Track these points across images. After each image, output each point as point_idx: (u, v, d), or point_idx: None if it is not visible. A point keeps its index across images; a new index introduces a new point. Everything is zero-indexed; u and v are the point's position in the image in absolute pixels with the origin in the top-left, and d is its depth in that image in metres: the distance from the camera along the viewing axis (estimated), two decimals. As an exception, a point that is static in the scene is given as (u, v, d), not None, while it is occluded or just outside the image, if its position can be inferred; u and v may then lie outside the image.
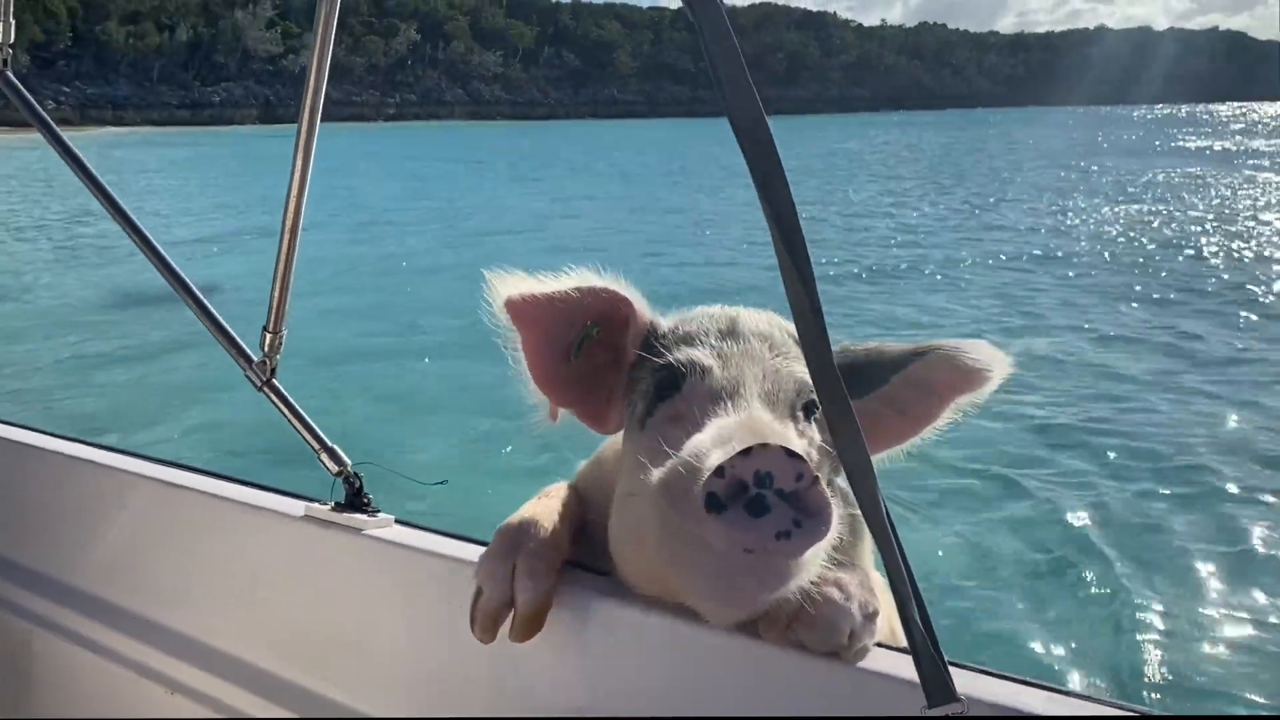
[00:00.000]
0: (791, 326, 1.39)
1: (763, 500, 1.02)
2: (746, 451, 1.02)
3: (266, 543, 1.83)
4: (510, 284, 1.38)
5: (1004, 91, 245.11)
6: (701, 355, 1.31)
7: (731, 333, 1.36)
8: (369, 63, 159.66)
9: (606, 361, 1.46)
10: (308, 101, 1.68)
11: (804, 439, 1.27)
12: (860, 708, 1.17)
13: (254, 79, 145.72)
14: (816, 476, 1.03)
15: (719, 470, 1.02)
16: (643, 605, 1.34)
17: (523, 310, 1.38)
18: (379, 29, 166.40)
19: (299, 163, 1.71)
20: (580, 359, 1.45)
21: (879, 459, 1.42)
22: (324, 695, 1.73)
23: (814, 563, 1.09)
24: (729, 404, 1.21)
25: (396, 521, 1.72)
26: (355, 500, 1.75)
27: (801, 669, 1.20)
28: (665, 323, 1.45)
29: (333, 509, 1.74)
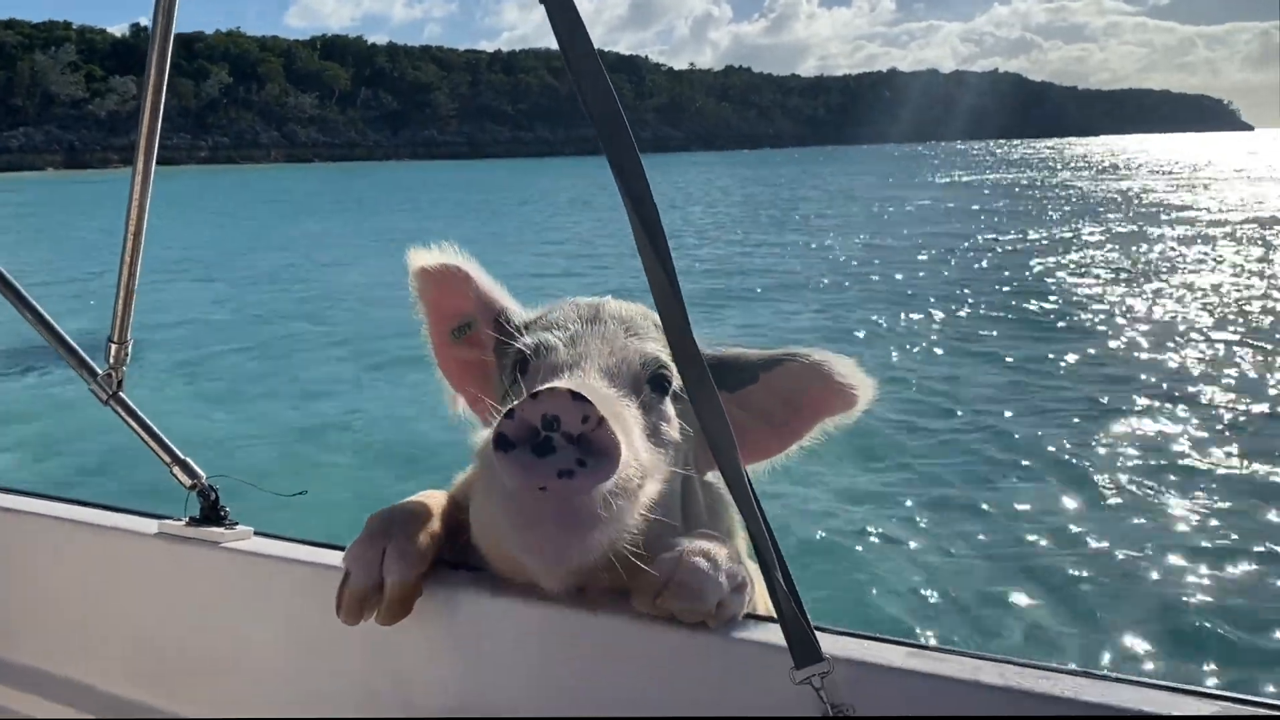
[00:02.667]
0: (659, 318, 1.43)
1: (549, 442, 1.05)
2: (535, 396, 1.06)
3: (118, 564, 1.75)
4: (420, 257, 1.48)
5: (807, 131, 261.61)
6: (551, 337, 1.36)
7: (592, 318, 1.42)
8: (179, 105, 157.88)
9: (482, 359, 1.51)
10: (147, 104, 1.62)
11: (652, 414, 1.32)
12: (731, 675, 1.19)
13: (56, 123, 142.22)
14: (603, 418, 1.06)
15: (509, 413, 1.06)
16: (514, 595, 1.33)
17: (418, 284, 1.51)
18: (188, 71, 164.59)
19: (140, 165, 1.64)
20: (464, 345, 1.54)
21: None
22: (189, 718, 1.67)
23: (625, 512, 1.12)
24: (567, 376, 1.26)
25: (256, 533, 1.66)
26: (212, 513, 1.68)
27: (671, 644, 1.22)
28: (530, 313, 1.51)
29: (188, 524, 1.68)
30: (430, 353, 1.56)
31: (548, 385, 1.08)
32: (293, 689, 1.57)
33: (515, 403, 1.07)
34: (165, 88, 1.64)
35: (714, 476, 1.50)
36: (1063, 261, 18.38)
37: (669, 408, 1.35)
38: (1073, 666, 1.06)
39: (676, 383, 1.36)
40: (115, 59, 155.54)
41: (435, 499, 1.51)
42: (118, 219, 1.66)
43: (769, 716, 1.16)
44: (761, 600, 1.28)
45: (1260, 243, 20.48)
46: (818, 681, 1.09)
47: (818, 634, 1.11)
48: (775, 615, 1.12)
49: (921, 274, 17.41)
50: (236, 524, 1.68)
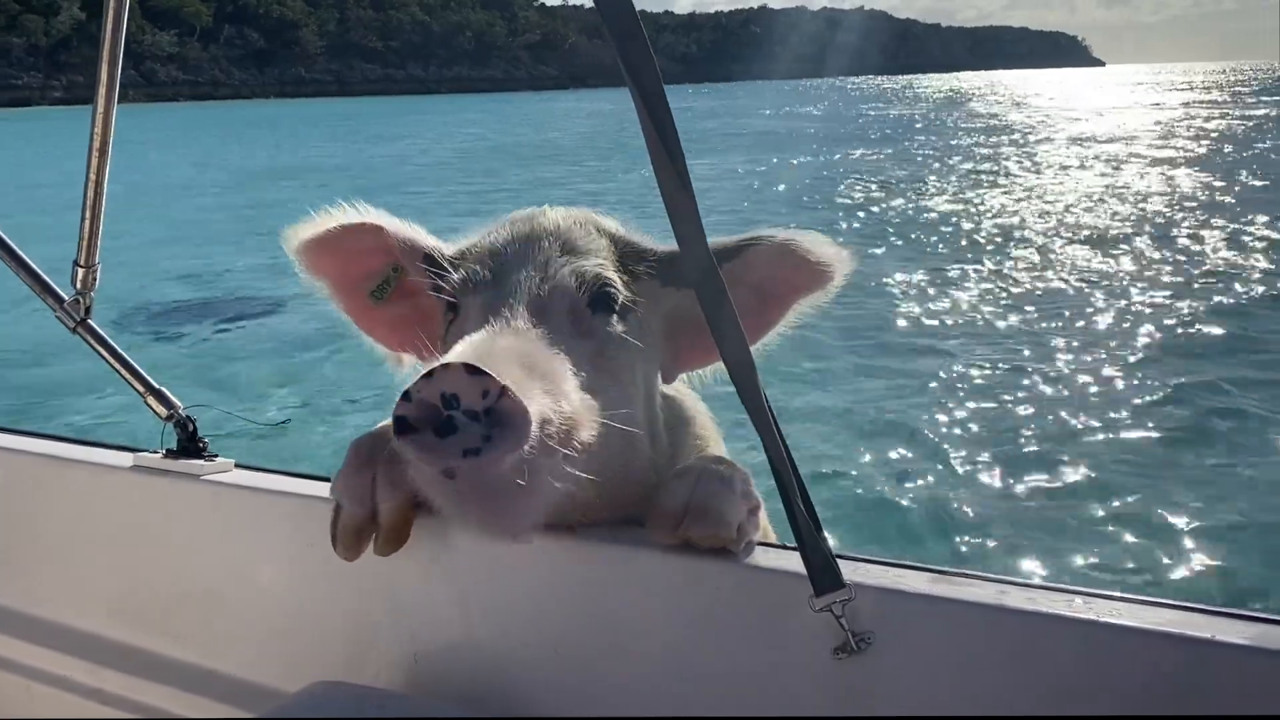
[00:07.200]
0: (606, 223, 1.41)
1: (451, 421, 1.00)
2: (430, 375, 1.01)
3: (93, 499, 1.69)
4: (298, 233, 1.36)
5: (680, 69, 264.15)
6: (478, 271, 1.30)
7: (525, 237, 1.34)
8: (29, 43, 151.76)
9: (434, 302, 1.42)
10: (109, 19, 1.55)
11: (595, 339, 1.26)
12: (748, 604, 1.16)
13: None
14: (504, 388, 1.00)
15: (405, 395, 1.01)
16: None
17: (309, 257, 1.38)
18: (38, 6, 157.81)
19: (104, 76, 1.57)
20: (391, 300, 1.44)
21: (716, 367, 1.41)
22: (170, 655, 1.61)
23: (554, 469, 1.07)
24: (493, 319, 1.20)
25: (237, 465, 1.60)
26: (190, 445, 1.61)
27: (686, 572, 1.18)
28: (462, 241, 1.42)
29: (165, 456, 1.61)
30: (349, 324, 1.45)
31: (442, 360, 1.02)
32: (279, 624, 1.50)
33: (410, 383, 1.01)
34: (126, 16, 1.57)
35: (672, 390, 1.47)
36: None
37: (616, 327, 1.29)
38: (1101, 590, 1.05)
39: (624, 296, 1.32)
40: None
41: None
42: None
43: (788, 645, 1.13)
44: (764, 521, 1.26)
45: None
46: (839, 609, 1.06)
47: (839, 561, 1.08)
48: (794, 542, 1.08)
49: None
50: (216, 455, 1.61)
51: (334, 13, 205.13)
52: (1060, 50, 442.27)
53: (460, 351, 1.06)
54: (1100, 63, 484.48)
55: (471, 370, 1.00)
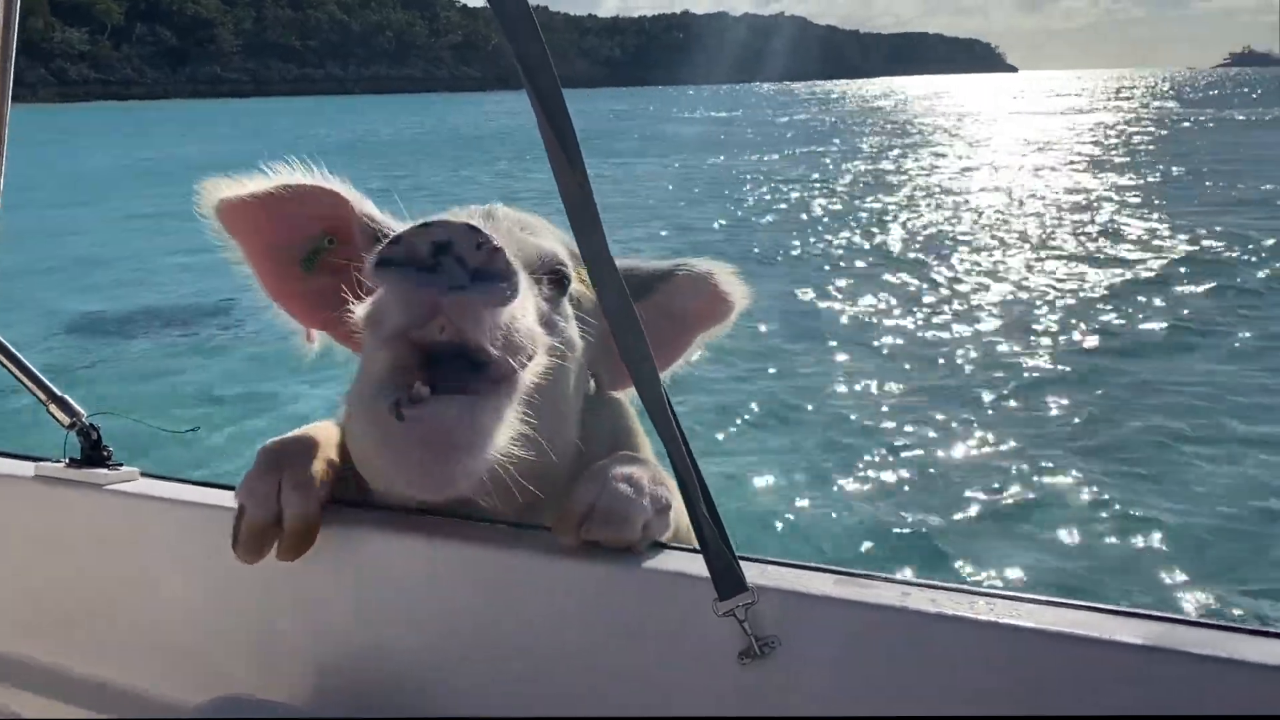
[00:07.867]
0: (557, 230, 1.42)
1: (439, 265, 0.96)
2: (425, 224, 0.98)
3: None
4: (222, 189, 1.31)
5: (603, 73, 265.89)
6: None
7: (485, 214, 1.36)
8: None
9: (357, 279, 1.32)
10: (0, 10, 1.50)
11: (549, 306, 1.26)
12: (651, 608, 1.16)
13: None
14: (499, 247, 0.98)
15: (395, 239, 0.96)
16: (421, 531, 1.28)
17: (235, 216, 1.32)
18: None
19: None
20: (316, 272, 1.39)
21: (630, 392, 1.43)
22: (73, 670, 1.57)
23: (493, 432, 1.06)
24: None
25: (142, 474, 1.56)
26: (94, 454, 1.57)
27: (589, 577, 1.18)
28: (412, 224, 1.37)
29: (68, 465, 1.58)
30: (262, 292, 1.40)
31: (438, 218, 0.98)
32: (186, 636, 1.48)
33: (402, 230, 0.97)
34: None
35: (622, 397, 1.50)
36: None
37: (567, 308, 1.31)
38: (1002, 590, 1.06)
39: (574, 287, 1.33)
40: None
41: (328, 430, 1.42)
42: None
43: (694, 650, 1.13)
44: (680, 519, 1.25)
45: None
46: (741, 613, 1.06)
47: (742, 563, 1.09)
48: (698, 544, 1.09)
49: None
50: (121, 465, 1.58)
51: (250, 11, 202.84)
52: (975, 57, 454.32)
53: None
54: (1013, 69, 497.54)
55: (470, 228, 0.98)
